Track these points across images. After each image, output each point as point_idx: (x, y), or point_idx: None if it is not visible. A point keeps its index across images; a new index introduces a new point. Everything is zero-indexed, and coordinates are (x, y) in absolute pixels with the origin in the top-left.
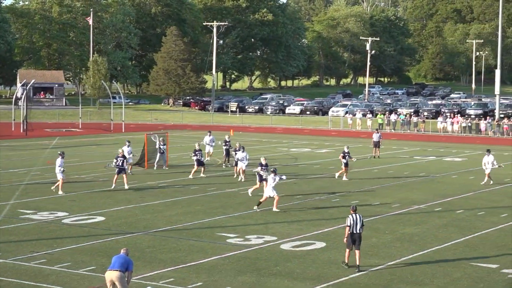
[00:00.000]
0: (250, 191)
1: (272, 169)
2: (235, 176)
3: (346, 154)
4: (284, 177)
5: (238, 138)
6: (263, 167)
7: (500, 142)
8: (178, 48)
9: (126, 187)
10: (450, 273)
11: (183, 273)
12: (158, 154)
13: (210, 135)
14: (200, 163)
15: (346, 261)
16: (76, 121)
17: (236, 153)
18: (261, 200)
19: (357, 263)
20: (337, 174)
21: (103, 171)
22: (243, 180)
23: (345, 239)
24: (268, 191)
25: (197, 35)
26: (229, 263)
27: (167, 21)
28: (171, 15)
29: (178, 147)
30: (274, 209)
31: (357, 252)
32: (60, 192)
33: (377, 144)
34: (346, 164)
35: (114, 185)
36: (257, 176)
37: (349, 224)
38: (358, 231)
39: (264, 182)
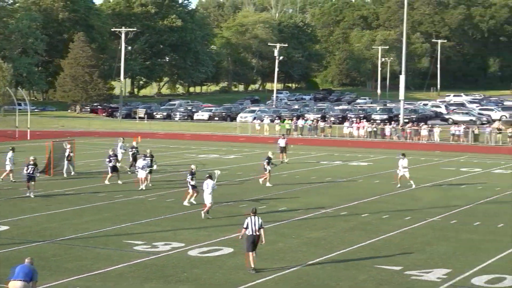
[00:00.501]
0: (185, 202)
1: (207, 175)
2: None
3: (269, 160)
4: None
5: (148, 145)
6: (193, 175)
7: (404, 147)
8: (86, 54)
9: (32, 195)
10: (355, 276)
11: (89, 281)
12: (66, 162)
13: (122, 142)
14: (114, 169)
15: (252, 265)
16: None
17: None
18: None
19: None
20: (261, 180)
21: (7, 179)
22: (143, 188)
23: (240, 237)
24: (205, 198)
25: (105, 41)
26: (136, 271)
27: (74, 27)
28: (79, 20)
29: (85, 154)
30: (203, 214)
31: (252, 253)
32: None
33: (283, 150)
34: (266, 169)
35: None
36: (189, 184)
37: (246, 226)
38: (256, 233)
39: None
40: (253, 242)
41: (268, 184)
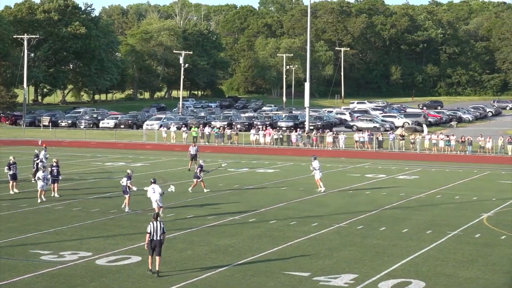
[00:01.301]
0: (126, 208)
1: (151, 180)
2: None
3: (201, 167)
4: (170, 189)
5: (53, 153)
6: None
7: (310, 153)
8: None
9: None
10: (264, 283)
11: None
12: None
13: (45, 150)
14: (14, 177)
15: (150, 268)
16: None
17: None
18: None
19: (157, 269)
20: (190, 189)
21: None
22: (44, 199)
23: (145, 246)
24: (154, 202)
25: (7, 48)
26: (42, 281)
27: None
28: None
29: None
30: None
31: (157, 258)
32: None
33: (194, 157)
34: (198, 177)
35: None
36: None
37: (149, 231)
38: (158, 238)
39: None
40: (155, 247)
41: (205, 190)
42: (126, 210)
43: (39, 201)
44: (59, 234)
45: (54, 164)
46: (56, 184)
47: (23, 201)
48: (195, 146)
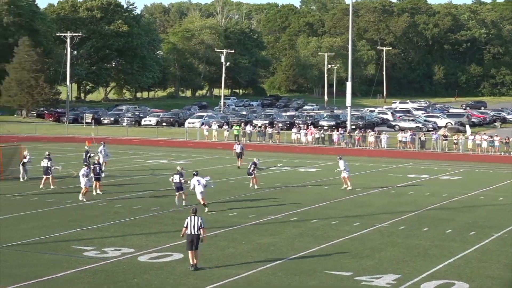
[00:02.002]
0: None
1: (194, 172)
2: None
3: (256, 165)
4: (206, 181)
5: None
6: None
7: (352, 153)
8: (31, 58)
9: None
10: (306, 282)
11: None
12: (22, 167)
13: (104, 146)
14: (47, 172)
15: (191, 263)
16: None
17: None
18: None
19: (194, 262)
20: (256, 186)
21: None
22: (84, 200)
23: (181, 235)
24: (198, 195)
25: (50, 45)
26: (85, 277)
27: (19, 31)
28: (24, 25)
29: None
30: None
31: (194, 252)
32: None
33: (239, 155)
34: (251, 174)
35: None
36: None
37: (186, 225)
38: (195, 233)
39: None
40: (191, 241)
41: (255, 186)
42: (183, 204)
43: (80, 198)
44: (101, 231)
45: (96, 162)
46: (98, 182)
47: (68, 198)
48: (239, 144)
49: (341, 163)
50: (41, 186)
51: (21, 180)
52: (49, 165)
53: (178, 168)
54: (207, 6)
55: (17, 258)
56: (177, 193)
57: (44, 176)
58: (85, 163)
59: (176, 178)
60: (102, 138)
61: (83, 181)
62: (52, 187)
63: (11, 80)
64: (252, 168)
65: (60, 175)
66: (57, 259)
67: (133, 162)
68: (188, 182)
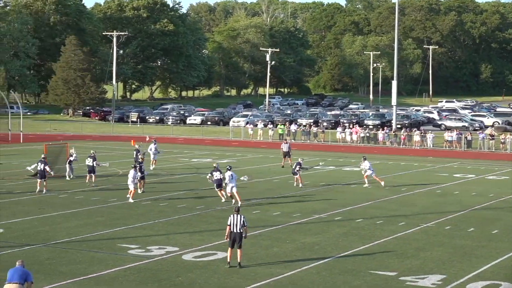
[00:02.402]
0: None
1: (228, 167)
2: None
3: (300, 165)
4: (243, 178)
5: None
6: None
7: (397, 152)
8: (77, 57)
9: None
10: (350, 281)
11: (83, 285)
12: (68, 165)
13: (155, 144)
14: (92, 170)
15: (229, 260)
16: None
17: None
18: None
19: (238, 261)
20: (301, 184)
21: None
22: (131, 201)
23: (226, 237)
24: (230, 188)
25: (96, 44)
26: (130, 275)
27: (66, 31)
28: (70, 24)
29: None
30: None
31: (238, 251)
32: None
33: (286, 154)
34: (296, 173)
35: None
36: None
37: (229, 223)
38: (238, 231)
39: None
40: (234, 239)
41: (300, 185)
42: (223, 200)
43: (130, 200)
44: (146, 229)
45: (141, 160)
46: (143, 181)
47: (113, 196)
48: (287, 143)
49: (366, 164)
50: (86, 181)
51: (67, 178)
52: (93, 164)
53: (215, 164)
54: (253, 5)
55: (63, 255)
56: (217, 190)
57: (88, 175)
58: (138, 164)
59: (217, 175)
60: (154, 137)
61: (131, 183)
62: (92, 185)
63: (57, 79)
64: (297, 168)
65: (105, 173)
66: (102, 257)
67: (178, 161)
68: (227, 179)
